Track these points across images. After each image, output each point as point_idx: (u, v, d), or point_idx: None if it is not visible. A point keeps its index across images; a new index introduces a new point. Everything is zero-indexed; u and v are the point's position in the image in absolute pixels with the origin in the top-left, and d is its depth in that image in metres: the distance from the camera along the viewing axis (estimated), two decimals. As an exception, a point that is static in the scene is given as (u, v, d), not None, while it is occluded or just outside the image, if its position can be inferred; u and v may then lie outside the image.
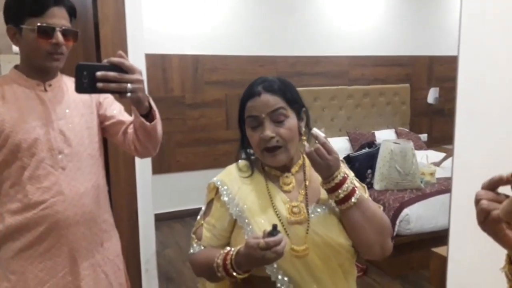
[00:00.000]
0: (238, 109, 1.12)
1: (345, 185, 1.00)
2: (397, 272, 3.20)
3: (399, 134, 5.17)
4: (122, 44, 2.22)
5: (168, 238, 4.01)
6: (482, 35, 1.37)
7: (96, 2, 2.16)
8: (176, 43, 4.38)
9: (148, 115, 1.23)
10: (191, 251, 1.14)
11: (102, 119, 1.44)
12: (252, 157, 1.16)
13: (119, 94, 1.11)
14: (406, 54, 5.50)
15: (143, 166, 2.36)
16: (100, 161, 1.44)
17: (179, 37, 4.39)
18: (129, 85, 1.09)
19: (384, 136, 4.86)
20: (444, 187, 3.45)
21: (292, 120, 1.06)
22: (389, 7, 5.36)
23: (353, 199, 1.00)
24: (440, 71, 5.74)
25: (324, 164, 0.99)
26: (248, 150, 1.15)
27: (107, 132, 1.45)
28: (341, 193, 1.00)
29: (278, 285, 1.01)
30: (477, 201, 0.70)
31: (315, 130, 1.02)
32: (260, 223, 1.04)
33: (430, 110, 5.76)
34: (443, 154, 4.56)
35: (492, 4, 1.33)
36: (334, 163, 0.99)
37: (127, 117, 1.43)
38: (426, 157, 3.74)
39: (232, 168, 1.17)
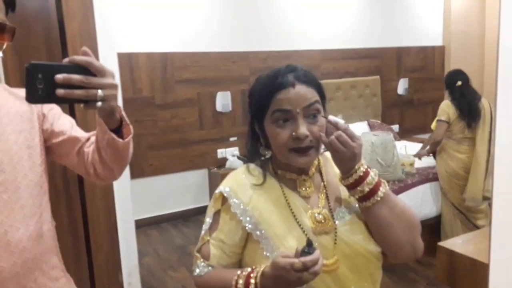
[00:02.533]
0: (254, 102, 0.97)
1: (369, 178, 0.89)
2: (383, 264, 3.18)
3: (371, 126, 5.19)
4: (92, 43, 2.03)
5: (146, 246, 3.83)
6: None
7: (60, -4, 1.97)
8: (142, 41, 4.17)
9: (118, 130, 0.97)
10: (197, 272, 0.98)
11: (47, 136, 1.11)
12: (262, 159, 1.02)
13: (86, 104, 0.84)
14: (375, 46, 5.53)
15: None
16: (45, 189, 1.10)
17: (146, 34, 4.18)
18: (99, 92, 0.83)
19: (358, 128, 4.87)
20: (424, 176, 3.48)
21: (322, 117, 0.94)
22: (357, 0, 5.36)
23: (379, 193, 0.89)
24: (408, 62, 5.82)
25: (348, 152, 0.87)
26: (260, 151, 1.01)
27: (53, 152, 1.13)
28: (366, 186, 0.89)
29: None
30: None
31: (332, 117, 0.90)
32: (281, 237, 0.91)
33: (400, 101, 5.83)
34: (416, 144, 4.63)
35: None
36: (359, 150, 0.88)
37: (81, 133, 1.13)
38: (405, 148, 3.75)
39: (239, 173, 1.02)
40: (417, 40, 5.85)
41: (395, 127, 5.66)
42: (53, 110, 1.13)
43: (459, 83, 3.26)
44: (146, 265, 3.44)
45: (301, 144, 0.91)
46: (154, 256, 3.65)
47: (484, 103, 3.24)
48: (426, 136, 4.82)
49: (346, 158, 0.88)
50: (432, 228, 3.42)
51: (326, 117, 0.92)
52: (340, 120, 0.90)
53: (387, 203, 0.91)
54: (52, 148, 1.12)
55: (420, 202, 3.35)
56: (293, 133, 0.90)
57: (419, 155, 3.66)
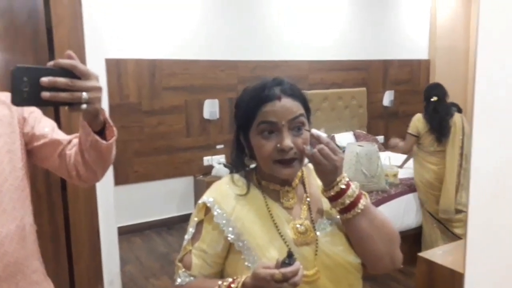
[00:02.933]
0: (240, 113, 0.99)
1: (350, 190, 0.91)
2: (365, 273, 3.20)
3: (357, 137, 5.25)
4: (79, 48, 2.03)
5: (128, 254, 3.78)
6: (501, 42, 1.34)
7: (48, 2, 1.96)
8: (131, 47, 4.17)
9: (102, 132, 0.99)
10: (179, 282, 0.98)
11: (28, 140, 1.11)
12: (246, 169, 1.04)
13: (71, 106, 0.86)
14: (362, 59, 5.61)
15: (104, 177, 2.17)
16: (27, 193, 1.11)
17: (135, 40, 4.18)
18: (84, 94, 0.85)
19: (344, 139, 4.92)
20: (407, 187, 3.53)
21: (305, 130, 0.96)
22: (345, 13, 5.44)
23: (360, 206, 0.92)
24: (394, 75, 5.92)
25: (329, 165, 0.89)
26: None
27: (35, 155, 1.14)
28: (347, 199, 0.91)
29: None
30: None
31: (315, 131, 0.92)
32: (263, 248, 0.92)
33: (386, 112, 5.91)
34: (400, 155, 4.70)
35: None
36: (340, 163, 0.91)
37: (62, 135, 1.14)
38: (389, 159, 3.80)
39: (223, 183, 1.03)
40: (403, 54, 5.96)
41: (380, 138, 5.74)
42: (33, 113, 1.14)
43: (435, 98, 3.35)
44: (128, 273, 3.40)
45: (285, 156, 0.92)
46: (137, 264, 3.61)
47: (456, 118, 3.33)
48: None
49: (327, 171, 0.90)
50: (414, 238, 3.46)
51: (309, 131, 0.94)
52: (322, 134, 0.92)
53: (367, 215, 0.93)
54: (34, 152, 1.13)
55: (403, 212, 3.39)
56: (278, 145, 0.92)
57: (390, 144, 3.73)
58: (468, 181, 1.45)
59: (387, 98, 5.82)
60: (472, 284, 1.22)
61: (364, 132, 5.49)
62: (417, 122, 3.40)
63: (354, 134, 5.32)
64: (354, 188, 0.92)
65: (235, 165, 1.05)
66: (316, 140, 0.92)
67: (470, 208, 1.36)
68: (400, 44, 5.91)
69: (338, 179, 0.91)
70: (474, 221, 1.35)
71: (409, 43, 6.00)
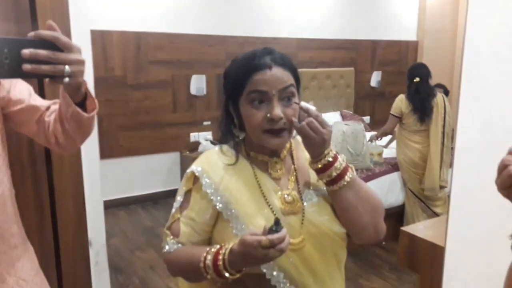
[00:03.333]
0: (229, 82, 0.98)
1: (337, 163, 0.93)
2: (348, 247, 3.28)
3: (344, 117, 5.28)
4: (64, 18, 1.96)
5: (113, 227, 3.79)
6: (488, 33, 1.35)
7: (31, -36, 1.88)
8: (116, 19, 4.07)
9: (83, 103, 0.98)
10: (166, 249, 0.99)
11: (4, 104, 1.09)
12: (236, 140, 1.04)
13: (52, 79, 0.85)
14: (351, 38, 5.59)
15: (89, 149, 2.14)
16: (3, 158, 1.09)
17: (119, 11, 4.08)
18: (66, 67, 0.83)
19: (330, 118, 4.93)
20: (391, 166, 3.59)
21: (297, 100, 0.95)
22: (335, -10, 5.39)
23: (346, 178, 0.93)
24: (382, 55, 5.93)
25: (318, 138, 0.90)
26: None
27: (11, 120, 1.11)
28: (334, 171, 0.92)
29: (273, 282, 0.92)
30: (504, 166, 0.68)
31: (304, 104, 0.93)
32: (251, 216, 0.94)
33: (373, 93, 5.95)
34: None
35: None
36: (329, 136, 0.91)
37: (40, 101, 1.12)
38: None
39: (212, 154, 1.04)
40: (392, 34, 5.96)
41: (366, 119, 5.79)
42: None
43: (417, 79, 3.38)
44: (113, 246, 3.41)
45: (275, 126, 0.92)
46: (122, 237, 3.63)
47: (439, 99, 3.39)
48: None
49: (316, 143, 0.91)
50: (397, 216, 3.54)
51: (298, 103, 0.94)
52: (311, 107, 0.92)
53: (353, 187, 0.95)
54: (10, 117, 1.11)
55: (386, 190, 3.46)
56: (268, 115, 0.92)
57: (371, 139, 3.79)
58: (449, 158, 1.49)
59: (375, 78, 5.84)
60: (451, 256, 1.27)
61: (351, 112, 5.52)
62: (400, 102, 3.44)
63: (341, 114, 5.34)
64: (341, 161, 0.94)
65: (224, 135, 1.04)
66: (305, 112, 0.92)
67: (453, 185, 1.40)
68: (389, 25, 5.90)
69: (325, 152, 0.92)
70: (457, 197, 1.40)
71: (398, 24, 5.99)
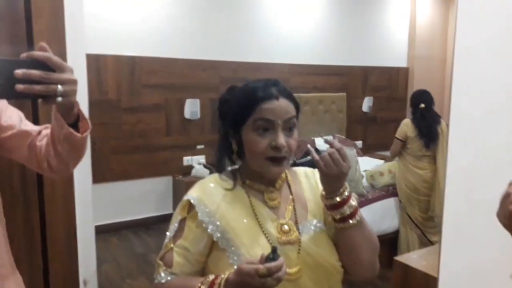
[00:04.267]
0: (232, 110, 0.99)
1: (351, 201, 0.94)
2: (343, 278, 3.24)
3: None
4: (60, 42, 1.98)
5: (104, 253, 3.71)
6: (476, 44, 1.38)
7: (29, -7, 1.91)
8: (111, 43, 4.10)
9: (75, 124, 0.98)
10: (159, 280, 0.97)
11: None
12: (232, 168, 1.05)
13: (45, 100, 0.85)
14: (343, 64, 5.69)
15: (82, 174, 2.12)
16: None
17: (114, 36, 4.12)
18: (59, 87, 0.84)
19: (323, 143, 4.95)
20: (384, 192, 3.59)
21: (296, 131, 0.98)
22: (327, 18, 5.51)
23: (357, 217, 0.94)
24: (373, 81, 6.02)
25: (337, 171, 0.90)
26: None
27: (2, 147, 1.11)
28: (347, 209, 0.93)
29: None
30: (508, 196, 0.69)
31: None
32: (248, 246, 0.93)
33: (365, 118, 6.01)
34: (377, 160, 4.79)
35: (490, 7, 1.35)
36: (347, 171, 0.92)
37: (31, 126, 1.12)
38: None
39: (208, 182, 1.03)
40: (383, 61, 6.08)
41: (359, 143, 5.82)
42: None
43: (422, 105, 3.41)
44: (104, 273, 3.34)
45: (278, 154, 0.95)
46: (113, 264, 3.55)
47: (443, 125, 3.41)
48: (387, 153, 4.99)
49: (333, 176, 0.91)
50: (390, 243, 3.52)
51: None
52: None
53: (361, 226, 0.96)
54: (1, 143, 1.10)
55: (380, 217, 3.45)
56: (273, 143, 0.94)
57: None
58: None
59: (366, 103, 5.92)
60: (444, 286, 1.26)
61: (343, 137, 5.55)
62: (405, 127, 3.44)
63: (333, 138, 5.37)
64: (354, 199, 0.95)
65: (221, 162, 1.05)
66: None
67: (444, 214, 1.41)
68: (380, 52, 6.03)
69: (342, 189, 0.93)
70: (448, 226, 1.40)
71: (389, 51, 6.12)
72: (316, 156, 0.93)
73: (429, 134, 3.34)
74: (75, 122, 0.97)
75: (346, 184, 0.95)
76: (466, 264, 1.34)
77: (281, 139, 0.94)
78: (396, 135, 3.51)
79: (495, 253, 1.09)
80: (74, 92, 0.89)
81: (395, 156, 3.62)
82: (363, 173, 3.63)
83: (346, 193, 0.93)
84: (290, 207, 1.02)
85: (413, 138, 3.40)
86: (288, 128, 0.96)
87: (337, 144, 0.93)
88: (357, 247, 0.96)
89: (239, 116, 0.98)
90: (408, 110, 3.65)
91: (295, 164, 3.88)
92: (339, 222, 0.95)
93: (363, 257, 0.97)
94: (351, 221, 0.94)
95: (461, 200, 1.39)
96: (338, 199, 0.93)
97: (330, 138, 0.96)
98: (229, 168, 1.06)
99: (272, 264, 0.79)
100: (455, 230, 1.37)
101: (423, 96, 3.48)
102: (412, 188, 3.43)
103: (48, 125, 1.06)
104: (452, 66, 1.38)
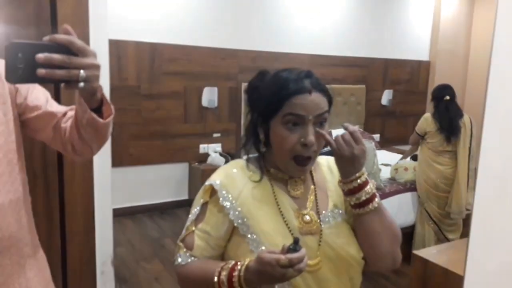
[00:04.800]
0: (263, 99, 0.96)
1: (368, 187, 0.92)
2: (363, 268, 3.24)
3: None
4: (83, 26, 1.99)
5: (119, 236, 3.77)
6: None
7: (53, -25, 1.92)
8: (132, 29, 4.12)
9: (99, 109, 0.96)
10: (179, 261, 0.97)
11: (21, 111, 1.07)
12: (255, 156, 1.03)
13: (67, 84, 0.83)
14: (363, 56, 5.60)
15: (101, 158, 2.14)
16: (20, 165, 1.07)
17: (135, 22, 4.13)
18: (81, 72, 0.81)
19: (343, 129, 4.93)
20: (402, 186, 3.54)
21: (327, 126, 0.96)
22: (349, 9, 5.43)
23: (374, 203, 0.93)
24: (394, 74, 5.92)
25: (348, 151, 0.89)
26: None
27: (28, 127, 1.10)
28: (363, 195, 0.92)
29: None
30: None
31: (345, 124, 0.94)
32: (267, 233, 0.93)
33: (383, 111, 5.93)
34: (395, 154, 4.73)
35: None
36: (359, 153, 0.90)
37: (56, 107, 1.10)
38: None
39: (231, 168, 1.02)
40: (405, 54, 5.96)
41: (376, 137, 5.75)
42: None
43: (447, 97, 3.34)
44: (119, 255, 3.39)
45: (306, 152, 0.93)
46: (128, 247, 3.61)
47: (466, 120, 3.33)
48: (405, 147, 4.93)
49: (345, 157, 0.90)
50: (405, 238, 3.47)
51: (342, 125, 0.95)
52: (349, 125, 0.93)
53: (379, 213, 0.94)
54: (27, 123, 1.09)
55: (396, 211, 3.41)
56: (302, 139, 0.91)
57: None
58: (473, 181, 1.47)
59: (386, 97, 5.83)
60: (471, 285, 1.23)
61: (361, 130, 5.50)
62: (424, 121, 3.38)
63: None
64: (371, 186, 0.94)
65: (246, 149, 1.03)
66: (345, 129, 0.93)
67: (474, 210, 1.37)
68: (402, 44, 5.92)
69: (358, 174, 0.92)
70: (478, 222, 1.36)
71: (411, 43, 6.00)
72: (329, 138, 0.92)
73: (451, 128, 3.27)
74: (99, 107, 0.95)
75: (364, 170, 0.93)
76: (497, 262, 1.31)
77: (311, 136, 0.91)
78: (416, 128, 3.46)
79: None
80: (96, 78, 0.87)
81: (413, 149, 3.56)
82: (381, 167, 3.59)
83: (363, 179, 0.92)
84: (311, 197, 1.01)
85: (434, 133, 3.33)
86: (319, 123, 0.93)
87: (351, 127, 0.92)
88: (375, 235, 0.94)
89: (269, 107, 0.94)
90: (429, 104, 3.58)
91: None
92: (355, 208, 0.94)
93: (383, 246, 0.95)
94: (367, 207, 0.92)
95: (492, 195, 1.35)
96: (354, 184, 0.92)
97: (346, 124, 0.94)
98: (255, 155, 1.05)
99: (294, 255, 0.78)
100: (485, 226, 1.33)
101: (447, 89, 3.40)
102: (432, 184, 3.37)
103: (74, 107, 1.05)
104: (490, 62, 1.33)
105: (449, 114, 3.30)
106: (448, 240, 3.31)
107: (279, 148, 0.95)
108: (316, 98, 0.92)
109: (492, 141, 1.29)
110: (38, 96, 1.10)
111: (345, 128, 0.92)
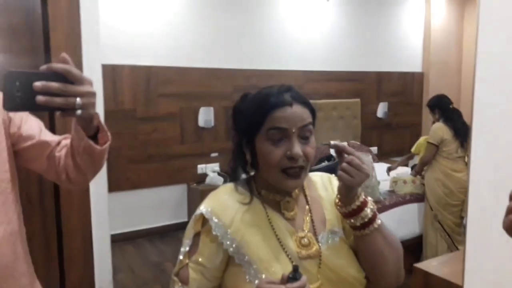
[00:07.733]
0: (244, 118, 0.94)
1: (369, 207, 0.89)
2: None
3: (351, 147, 5.26)
4: (76, 53, 2.01)
5: (119, 262, 3.73)
6: (499, 47, 1.35)
7: (46, 3, 1.94)
8: (127, 53, 4.16)
9: (95, 136, 0.97)
10: None
11: (15, 141, 1.07)
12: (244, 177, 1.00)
13: (64, 112, 0.84)
14: (357, 70, 5.65)
15: (98, 184, 2.13)
16: (14, 195, 1.06)
17: (130, 46, 4.17)
18: (78, 100, 0.83)
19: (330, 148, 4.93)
20: (401, 198, 3.53)
21: (314, 138, 0.93)
22: (341, 24, 5.50)
23: (377, 221, 0.89)
24: (388, 87, 5.96)
25: (362, 177, 0.85)
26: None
27: (22, 157, 1.10)
28: (365, 217, 0.88)
29: None
30: (509, 211, 0.69)
31: (334, 142, 0.90)
32: (265, 262, 0.89)
33: (380, 124, 5.95)
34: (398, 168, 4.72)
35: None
36: (367, 175, 0.87)
37: (50, 137, 1.11)
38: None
39: (221, 193, 0.98)
40: (397, 66, 6.02)
41: (374, 149, 5.76)
42: (19, 113, 1.09)
43: (453, 105, 3.41)
44: (120, 282, 3.35)
45: (294, 164, 0.89)
46: (129, 273, 3.56)
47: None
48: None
49: (355, 183, 0.86)
50: (407, 250, 3.45)
51: (328, 144, 0.92)
52: (340, 144, 0.89)
53: (382, 232, 0.91)
54: (20, 153, 1.09)
55: (397, 223, 3.39)
56: (288, 152, 0.89)
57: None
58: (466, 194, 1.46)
59: (381, 109, 5.86)
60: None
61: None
62: (439, 130, 3.37)
63: (348, 145, 5.29)
64: (371, 204, 0.91)
65: (234, 173, 1.01)
66: (341, 151, 0.88)
67: (468, 221, 1.36)
68: (394, 57, 5.98)
69: (357, 194, 0.89)
70: (472, 232, 1.35)
71: (403, 56, 6.07)
72: (348, 152, 0.88)
73: (465, 133, 3.25)
74: (95, 134, 0.96)
75: (360, 190, 0.90)
76: (493, 270, 1.30)
77: (297, 148, 0.88)
78: (429, 141, 3.41)
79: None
80: (93, 105, 0.88)
81: (428, 163, 3.47)
82: (379, 180, 3.58)
83: (360, 201, 0.89)
84: (307, 218, 0.97)
85: (450, 140, 3.33)
86: (304, 136, 0.91)
87: (350, 149, 0.88)
88: (379, 254, 0.91)
89: (251, 125, 0.92)
90: (425, 115, 3.61)
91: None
92: (360, 229, 0.90)
93: (387, 265, 0.92)
94: (371, 226, 0.89)
95: (487, 204, 1.35)
96: (349, 208, 0.89)
97: (334, 142, 0.90)
98: (244, 176, 1.02)
99: (295, 285, 0.75)
100: (481, 236, 1.33)
101: (447, 99, 3.48)
102: (449, 193, 3.32)
103: (68, 135, 1.06)
104: (475, 70, 1.34)
105: (461, 119, 3.34)
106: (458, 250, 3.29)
107: (266, 164, 0.92)
108: (298, 110, 0.90)
109: (481, 150, 1.29)
110: (32, 125, 1.10)
111: (341, 149, 0.88)
